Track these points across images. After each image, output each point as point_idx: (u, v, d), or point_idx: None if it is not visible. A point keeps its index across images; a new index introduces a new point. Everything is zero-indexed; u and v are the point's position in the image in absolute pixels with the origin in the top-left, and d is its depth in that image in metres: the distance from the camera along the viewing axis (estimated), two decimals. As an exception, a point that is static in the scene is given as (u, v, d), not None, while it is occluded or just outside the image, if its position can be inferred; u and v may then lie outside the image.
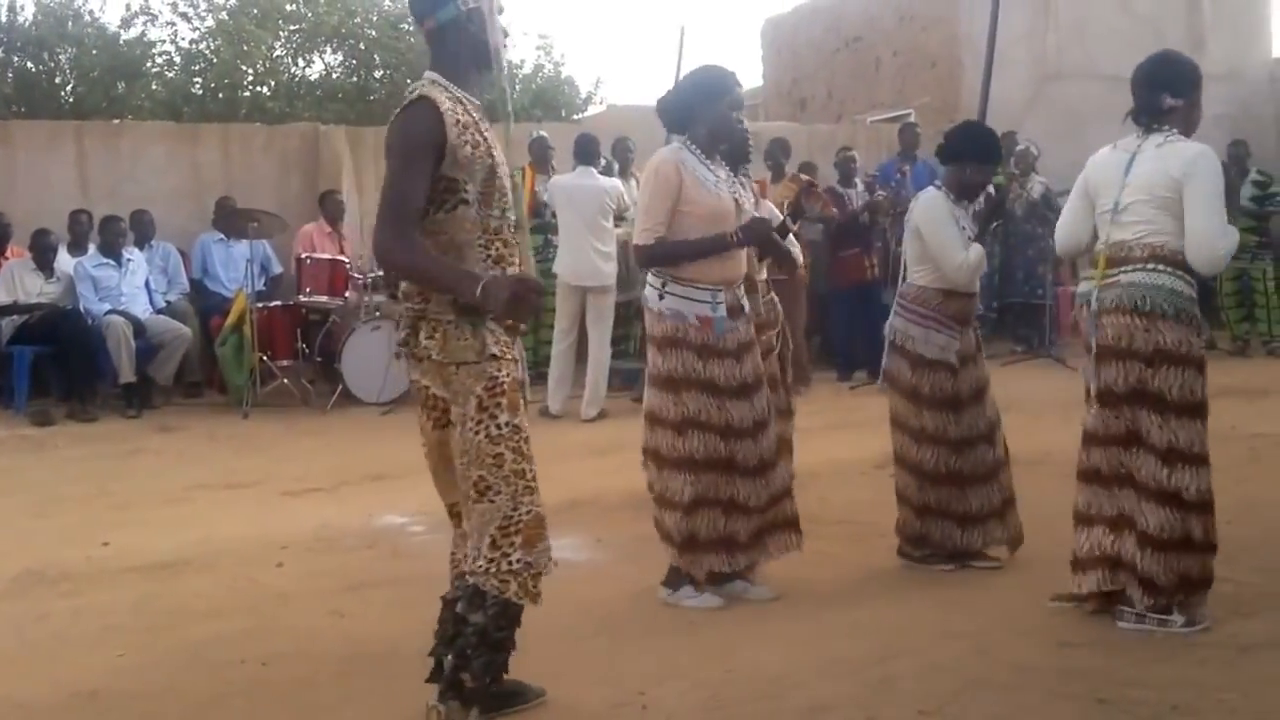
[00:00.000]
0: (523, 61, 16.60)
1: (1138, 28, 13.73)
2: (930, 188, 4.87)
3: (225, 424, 8.73)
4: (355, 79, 15.40)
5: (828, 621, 4.18)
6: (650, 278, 4.46)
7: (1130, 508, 3.99)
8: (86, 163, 10.64)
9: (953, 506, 4.72)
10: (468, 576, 3.11)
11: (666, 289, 4.36)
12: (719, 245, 4.35)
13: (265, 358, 9.29)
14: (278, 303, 9.68)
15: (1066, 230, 4.30)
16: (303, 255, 9.61)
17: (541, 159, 10.28)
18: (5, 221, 9.62)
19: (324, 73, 15.45)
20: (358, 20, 15.12)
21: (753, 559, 4.51)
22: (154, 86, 14.88)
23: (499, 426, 3.05)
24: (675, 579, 4.49)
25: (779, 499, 4.50)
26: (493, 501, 3.06)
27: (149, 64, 15.28)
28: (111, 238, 9.39)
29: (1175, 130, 3.97)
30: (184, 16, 15.05)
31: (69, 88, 15.68)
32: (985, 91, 6.98)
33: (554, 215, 10.12)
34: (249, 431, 8.49)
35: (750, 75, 15.64)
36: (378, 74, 15.44)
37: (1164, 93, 3.99)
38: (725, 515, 4.38)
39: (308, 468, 7.17)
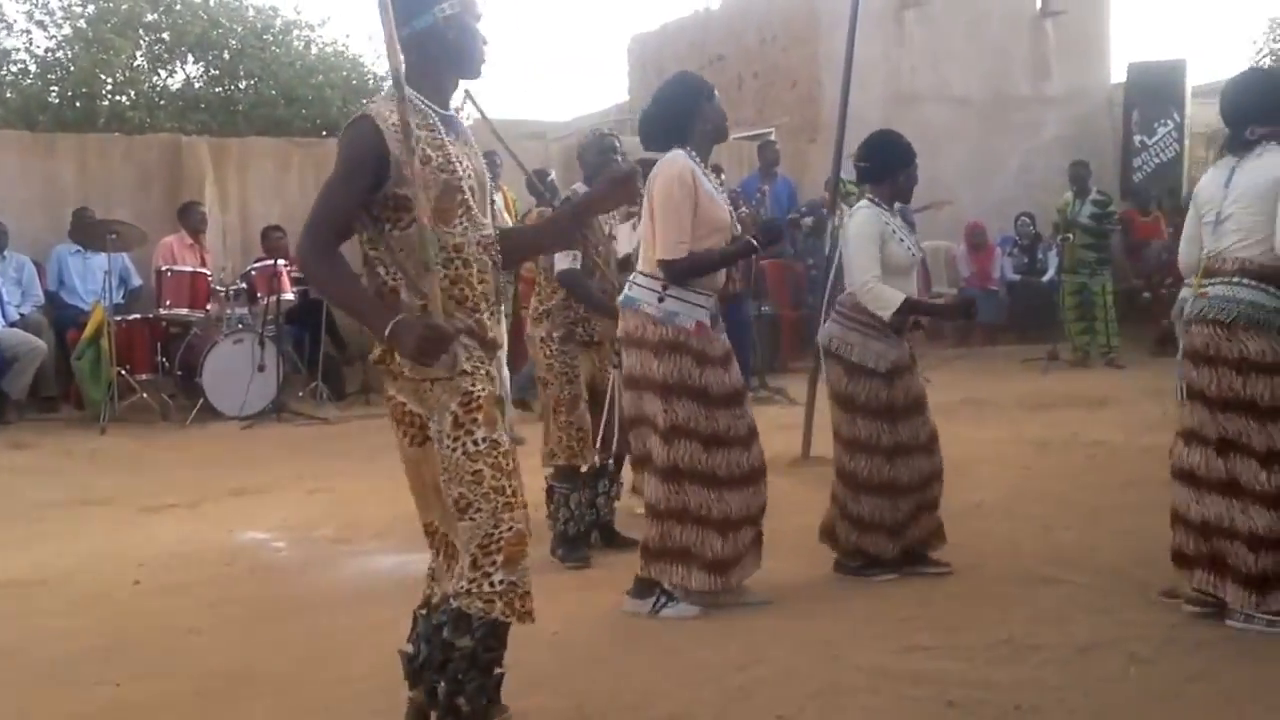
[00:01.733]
0: (388, 75, 16.45)
1: (986, 52, 14.30)
2: (865, 202, 4.87)
3: (82, 439, 8.49)
4: (219, 89, 15.07)
5: (694, 630, 4.25)
6: (643, 280, 4.38)
7: (1228, 511, 4.10)
8: (-66, 172, 10.26)
9: (884, 517, 4.75)
10: (450, 599, 3.01)
11: (668, 292, 4.29)
12: (746, 251, 4.37)
13: (124, 371, 9.07)
14: (137, 316, 9.48)
15: (1184, 249, 4.49)
16: (163, 267, 9.42)
17: None
18: None
19: (186, 83, 15.10)
20: (221, 30, 14.81)
21: (740, 578, 4.47)
22: (8, 95, 14.35)
23: (476, 442, 2.96)
24: (645, 590, 4.45)
25: (762, 511, 4.50)
26: (473, 519, 2.96)
27: (3, 72, 14.75)
28: (-38, 249, 9.07)
29: (1272, 142, 4.15)
30: (40, 24, 14.54)
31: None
32: (843, 111, 7.26)
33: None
34: (107, 447, 8.28)
35: (616, 92, 15.77)
36: (242, 84, 15.13)
37: (1251, 124, 4.19)
38: (719, 533, 4.34)
39: (167, 483, 7.03)
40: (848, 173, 10.38)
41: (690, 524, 4.32)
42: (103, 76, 14.33)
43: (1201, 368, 4.14)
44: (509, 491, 2.98)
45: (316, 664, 4.04)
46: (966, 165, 13.55)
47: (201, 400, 9.09)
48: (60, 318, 9.68)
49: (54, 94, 14.53)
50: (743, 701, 3.61)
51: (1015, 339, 12.65)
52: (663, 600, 4.42)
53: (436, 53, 3.10)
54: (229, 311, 9.42)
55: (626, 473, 5.47)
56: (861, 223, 4.76)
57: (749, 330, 9.50)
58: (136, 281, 10.06)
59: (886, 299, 4.66)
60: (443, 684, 3.04)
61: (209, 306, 9.43)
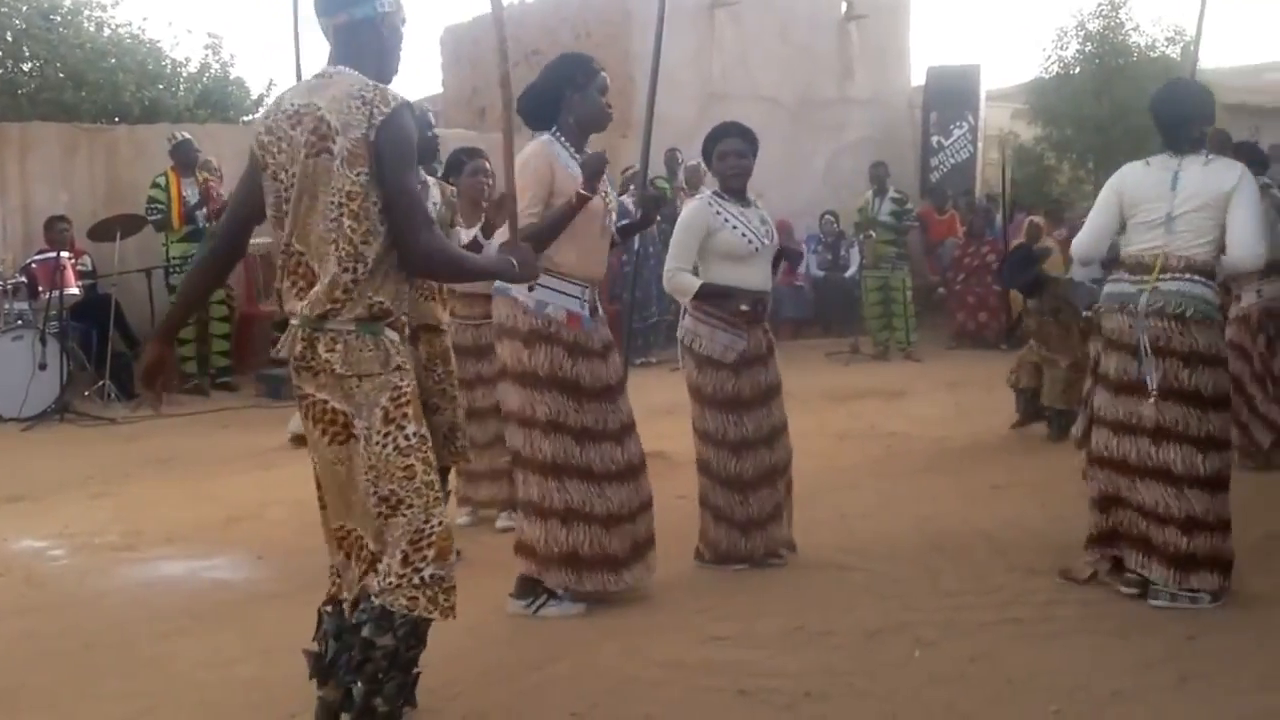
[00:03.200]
0: (188, 60, 15.83)
1: (794, 55, 14.59)
2: (702, 193, 4.96)
3: None
4: (2, 71, 14.25)
5: (489, 631, 4.19)
6: None
7: (1162, 497, 4.27)
8: None
9: (734, 511, 4.77)
10: (374, 598, 2.95)
11: (538, 281, 4.11)
12: (572, 209, 4.16)
13: (-112, 371, 8.45)
14: (-98, 311, 8.84)
15: (1094, 238, 4.59)
16: (-67, 260, 8.83)
17: (185, 162, 9.97)
18: None
19: (-36, 63, 14.26)
20: (5, 10, 14.00)
21: (636, 576, 4.40)
22: None
23: (407, 438, 2.95)
24: (527, 590, 4.33)
25: (646, 507, 4.42)
26: (404, 515, 2.93)
27: None
28: None
29: (1207, 150, 4.43)
30: None
31: None
32: (650, 109, 7.30)
33: (209, 220, 9.80)
34: None
35: (430, 83, 15.55)
36: (26, 66, 14.34)
37: (1198, 123, 4.44)
38: (605, 529, 4.26)
39: (-66, 490, 6.57)
40: (656, 168, 10.56)
41: (576, 522, 4.24)
42: None
43: (1153, 360, 4.30)
44: (438, 487, 3.02)
45: (91, 679, 3.86)
46: (775, 165, 13.74)
47: (-24, 401, 8.54)
48: None
49: None
50: (537, 700, 3.59)
51: (820, 333, 12.97)
52: (544, 599, 4.31)
53: (367, 45, 3.07)
54: (7, 306, 8.91)
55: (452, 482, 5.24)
56: (685, 214, 4.89)
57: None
58: (-96, 274, 9.39)
59: (684, 285, 4.78)
60: (360, 684, 3.00)
61: (-16, 301, 8.87)
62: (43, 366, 8.61)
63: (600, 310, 4.41)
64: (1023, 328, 8.20)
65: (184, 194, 9.83)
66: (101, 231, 9.50)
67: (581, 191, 4.18)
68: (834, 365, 11.37)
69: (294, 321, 3.02)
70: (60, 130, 11.26)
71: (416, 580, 2.94)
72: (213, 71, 16.04)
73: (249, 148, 3.17)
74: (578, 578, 4.28)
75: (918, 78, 15.54)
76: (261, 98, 16.33)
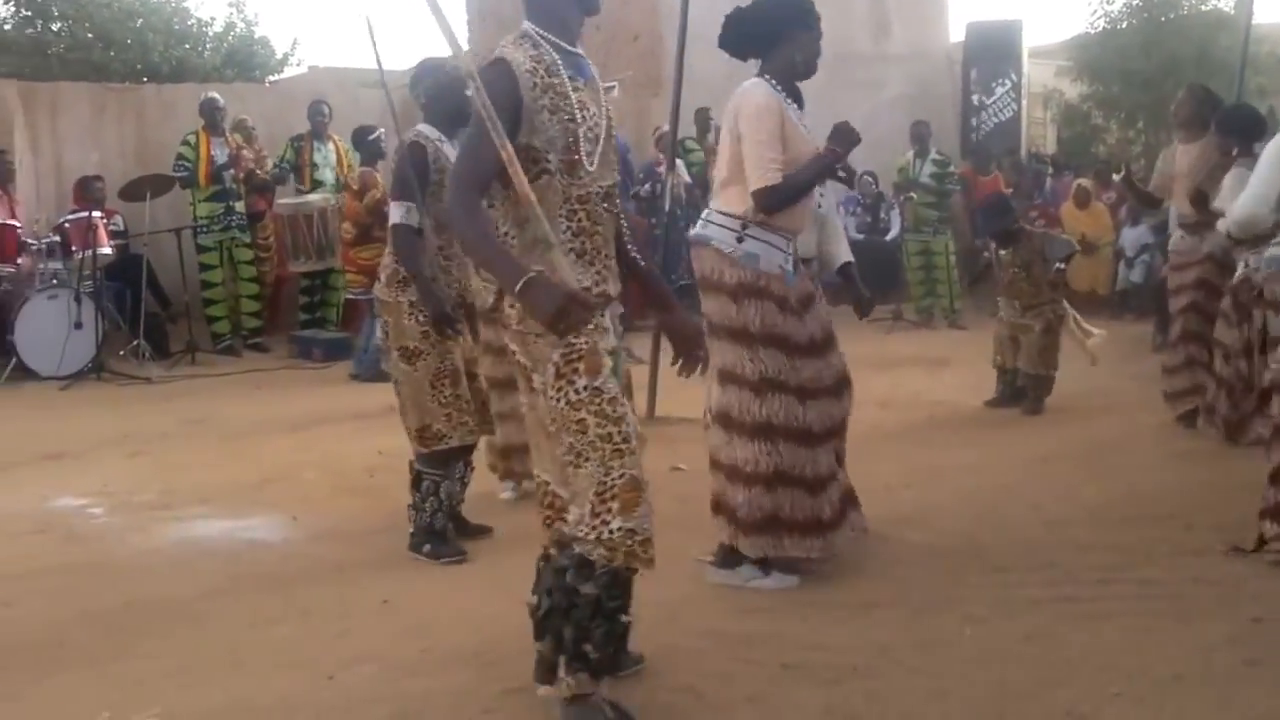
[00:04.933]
0: (213, 19, 15.83)
1: (826, 10, 14.21)
2: None
3: (-121, 400, 7.96)
4: (30, 31, 14.25)
5: (524, 599, 4.13)
6: (720, 217, 4.05)
7: None
8: None
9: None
10: (574, 544, 2.95)
11: (747, 232, 3.94)
12: (831, 163, 4.00)
13: (-78, 329, 8.51)
14: (-61, 270, 8.87)
15: (1266, 205, 4.39)
16: (-33, 219, 8.84)
17: (213, 121, 9.94)
18: None
19: (-5, 24, 14.29)
20: (34, -30, 14.07)
21: (840, 539, 4.19)
22: None
23: (577, 391, 2.91)
24: (730, 558, 4.14)
25: (841, 464, 4.27)
26: (584, 468, 2.92)
27: None
28: None
29: None
30: None
31: None
32: (679, 67, 7.18)
33: (235, 181, 9.77)
34: (-98, 410, 7.76)
35: (460, 38, 15.36)
36: (55, 26, 14.35)
37: None
38: (810, 494, 4.05)
39: (-27, 448, 6.61)
40: (686, 129, 10.38)
41: (784, 486, 4.02)
42: (-105, 13, 13.48)
43: None
44: (617, 438, 2.93)
45: (130, 636, 3.85)
46: (810, 123, 13.59)
47: (14, 360, 8.62)
48: None
49: None
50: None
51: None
52: (757, 571, 4.13)
53: None
54: (42, 266, 8.93)
55: (479, 456, 5.08)
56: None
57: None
58: (-61, 233, 9.41)
59: None
60: (569, 629, 2.99)
61: (20, 260, 8.91)
62: (78, 325, 8.64)
63: (802, 265, 4.25)
64: (995, 280, 7.98)
65: (212, 153, 9.81)
66: (132, 191, 9.50)
67: (835, 148, 4.06)
68: (875, 332, 11.16)
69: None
70: (90, 90, 11.28)
71: (605, 534, 2.92)
72: (238, 31, 16.03)
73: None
74: (780, 543, 4.07)
75: (957, 33, 15.24)
76: (286, 57, 16.32)
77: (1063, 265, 7.41)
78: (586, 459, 2.93)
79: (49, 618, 4.02)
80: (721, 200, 4.12)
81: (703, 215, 4.22)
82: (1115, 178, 11.96)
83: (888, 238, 12.58)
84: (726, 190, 4.10)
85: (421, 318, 4.53)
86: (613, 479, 2.93)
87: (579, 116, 2.95)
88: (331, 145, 10.42)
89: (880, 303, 12.10)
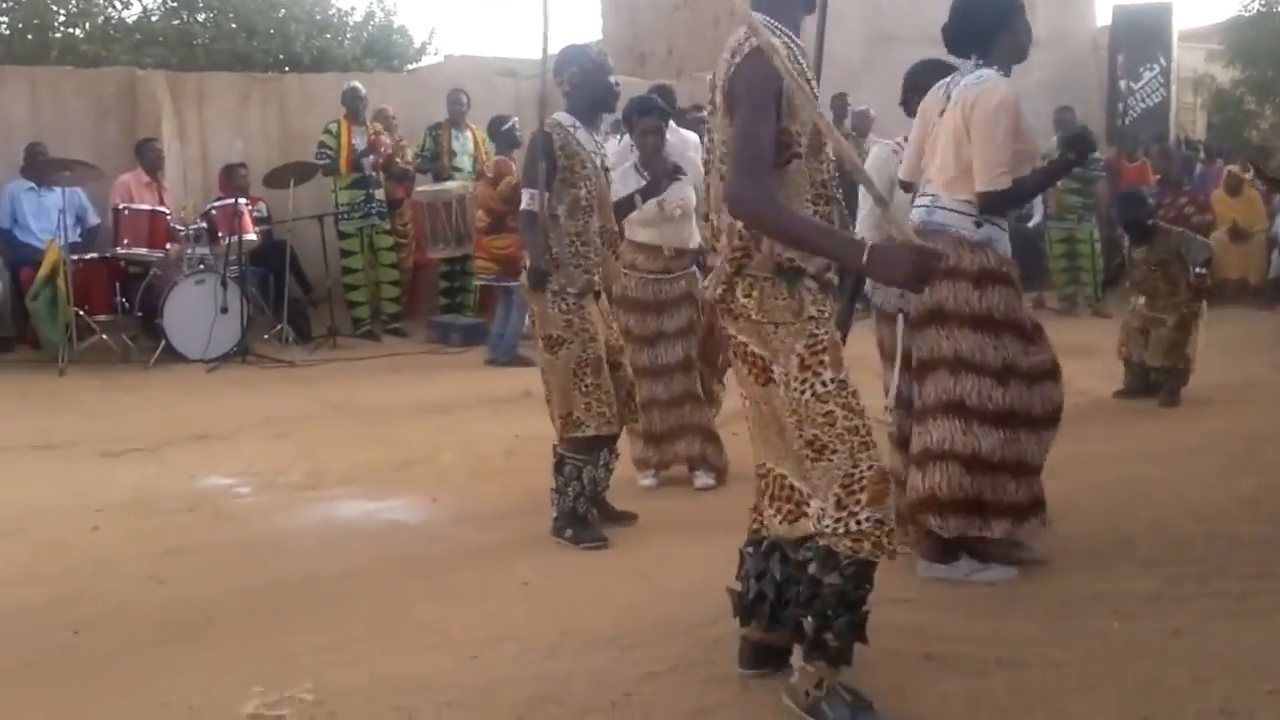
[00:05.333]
0: (353, 9, 16.16)
1: (967, -5, 14.03)
2: (883, 142, 4.81)
3: (39, 381, 8.31)
4: (177, 22, 14.73)
5: (665, 583, 4.15)
6: (952, 203, 4.01)
7: None
8: (-119, 105, 9.96)
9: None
10: (818, 538, 2.98)
11: (983, 216, 3.93)
12: (1064, 169, 4.08)
13: (81, 312, 8.85)
14: (94, 255, 9.23)
15: None
16: (120, 206, 9.17)
17: (354, 110, 10.14)
18: None
19: (142, 15, 14.77)
20: (179, -38, 14.53)
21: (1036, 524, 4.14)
22: (-45, 27, 14.05)
23: (824, 384, 2.93)
24: (945, 552, 4.05)
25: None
26: (830, 460, 2.94)
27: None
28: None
29: None
30: (-11, -47, 14.19)
31: None
32: (819, 51, 7.08)
33: (374, 170, 9.94)
34: (65, 389, 8.09)
35: (593, 28, 15.51)
36: (200, 17, 14.80)
37: None
38: (1035, 477, 4.05)
39: (127, 427, 6.85)
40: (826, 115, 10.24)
41: (1023, 476, 4.00)
42: (54, 8, 14.03)
43: None
44: (863, 431, 2.96)
45: (279, 613, 3.95)
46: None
47: (164, 342, 8.90)
48: (14, 256, 9.43)
49: (3, 25, 14.20)
50: (714, 654, 3.46)
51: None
52: (976, 564, 4.07)
53: None
54: (189, 251, 9.21)
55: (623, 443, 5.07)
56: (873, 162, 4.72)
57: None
58: (94, 220, 9.80)
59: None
60: (809, 619, 3.03)
61: (168, 246, 9.20)
62: (224, 310, 8.90)
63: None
64: (1128, 277, 7.72)
65: (353, 142, 10.02)
66: (276, 178, 9.74)
67: (1069, 155, 4.18)
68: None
69: (719, 263, 3.07)
70: (234, 80, 11.60)
71: (853, 525, 2.92)
72: (377, 20, 16.33)
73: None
74: (1014, 529, 4.04)
75: (1103, 17, 14.80)
76: (424, 46, 16.58)
77: (1203, 270, 7.18)
78: (833, 451, 2.93)
79: (201, 593, 4.14)
80: (951, 190, 4.04)
81: (922, 204, 4.14)
82: (1245, 176, 11.54)
83: (1030, 224, 12.23)
84: (955, 181, 4.03)
85: (564, 306, 4.56)
86: (861, 471, 2.93)
87: (816, 102, 2.95)
88: (469, 133, 10.56)
89: (1024, 290, 11.83)
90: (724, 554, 4.38)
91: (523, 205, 4.60)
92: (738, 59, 2.92)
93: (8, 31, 14.12)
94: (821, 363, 2.93)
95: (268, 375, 8.67)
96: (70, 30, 14.11)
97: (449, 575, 4.28)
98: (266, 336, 9.53)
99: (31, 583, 4.25)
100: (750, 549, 3.23)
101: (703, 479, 5.41)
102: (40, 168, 9.42)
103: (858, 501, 2.91)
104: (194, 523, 5.05)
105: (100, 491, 5.46)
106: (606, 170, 4.76)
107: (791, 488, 3.01)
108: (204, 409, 7.40)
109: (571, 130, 4.61)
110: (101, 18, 14.51)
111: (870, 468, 2.94)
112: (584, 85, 4.65)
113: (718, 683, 3.29)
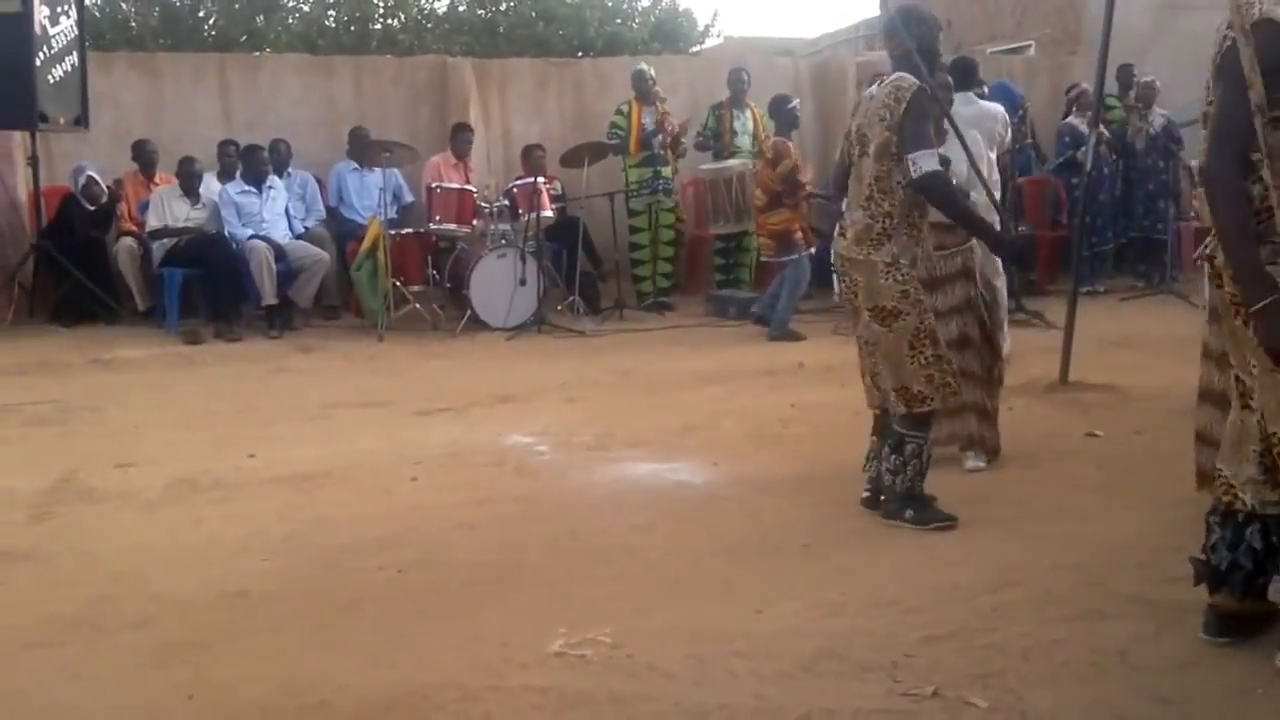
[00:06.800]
0: (641, -6, 16.62)
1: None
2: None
3: (361, 345, 9.02)
4: (482, 12, 15.56)
5: (942, 551, 4.22)
6: None
7: None
8: (229, 94, 11.03)
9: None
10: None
11: None
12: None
13: (398, 283, 9.59)
14: (409, 230, 9.99)
15: None
16: (433, 185, 9.86)
17: (644, 92, 10.43)
18: (153, 150, 10.11)
19: (451, 6, 15.68)
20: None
21: None
22: (290, 20, 15.27)
23: None
24: None
25: None
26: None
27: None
28: (254, 166, 9.76)
29: None
30: (317, -48, 15.37)
31: (211, 21, 16.21)
32: (1108, 21, 6.84)
33: (663, 147, 10.26)
34: (383, 353, 8.77)
35: (869, 5, 15.34)
36: (502, 7, 15.58)
37: None
38: None
39: (438, 388, 7.38)
40: (1110, 87, 9.81)
41: None
42: (375, 1, 15.00)
43: None
44: None
45: (578, 561, 4.24)
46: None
47: (469, 312, 9.48)
48: (340, 231, 10.32)
49: (330, 18, 15.33)
50: (994, 621, 3.56)
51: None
52: None
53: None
54: (493, 227, 9.76)
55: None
56: None
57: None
58: (409, 198, 10.60)
59: None
60: None
61: (474, 222, 9.80)
62: (523, 282, 9.42)
63: None
64: None
65: (643, 121, 10.38)
66: (571, 158, 10.18)
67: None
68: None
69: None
70: (533, 65, 12.18)
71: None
72: (663, 5, 16.73)
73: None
74: None
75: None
76: (707, 29, 16.87)
77: None
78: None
79: (507, 540, 4.47)
80: None
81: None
82: None
83: None
84: None
85: (899, 277, 4.38)
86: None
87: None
88: (749, 112, 10.74)
89: None
90: (999, 525, 4.48)
91: (927, 169, 4.30)
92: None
93: (334, 25, 15.27)
94: None
95: (560, 344, 9.11)
96: (388, 22, 15.11)
97: (732, 534, 4.48)
98: (560, 308, 10.02)
99: (360, 526, 4.66)
100: (1216, 518, 3.19)
101: (973, 461, 5.29)
102: (364, 150, 10.24)
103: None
104: (499, 476, 5.41)
105: (416, 446, 5.92)
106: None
107: None
108: (505, 373, 7.86)
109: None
110: (415, 9, 15.46)
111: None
112: (932, 47, 4.54)
113: (998, 649, 3.35)
